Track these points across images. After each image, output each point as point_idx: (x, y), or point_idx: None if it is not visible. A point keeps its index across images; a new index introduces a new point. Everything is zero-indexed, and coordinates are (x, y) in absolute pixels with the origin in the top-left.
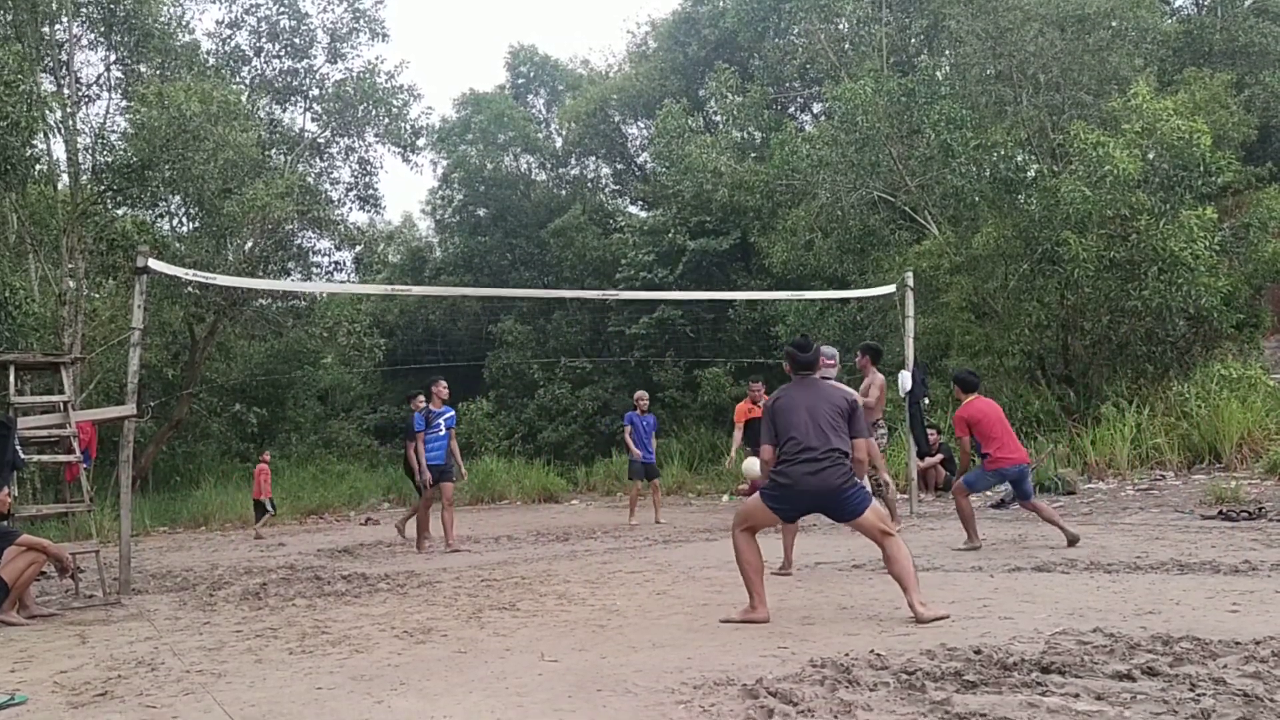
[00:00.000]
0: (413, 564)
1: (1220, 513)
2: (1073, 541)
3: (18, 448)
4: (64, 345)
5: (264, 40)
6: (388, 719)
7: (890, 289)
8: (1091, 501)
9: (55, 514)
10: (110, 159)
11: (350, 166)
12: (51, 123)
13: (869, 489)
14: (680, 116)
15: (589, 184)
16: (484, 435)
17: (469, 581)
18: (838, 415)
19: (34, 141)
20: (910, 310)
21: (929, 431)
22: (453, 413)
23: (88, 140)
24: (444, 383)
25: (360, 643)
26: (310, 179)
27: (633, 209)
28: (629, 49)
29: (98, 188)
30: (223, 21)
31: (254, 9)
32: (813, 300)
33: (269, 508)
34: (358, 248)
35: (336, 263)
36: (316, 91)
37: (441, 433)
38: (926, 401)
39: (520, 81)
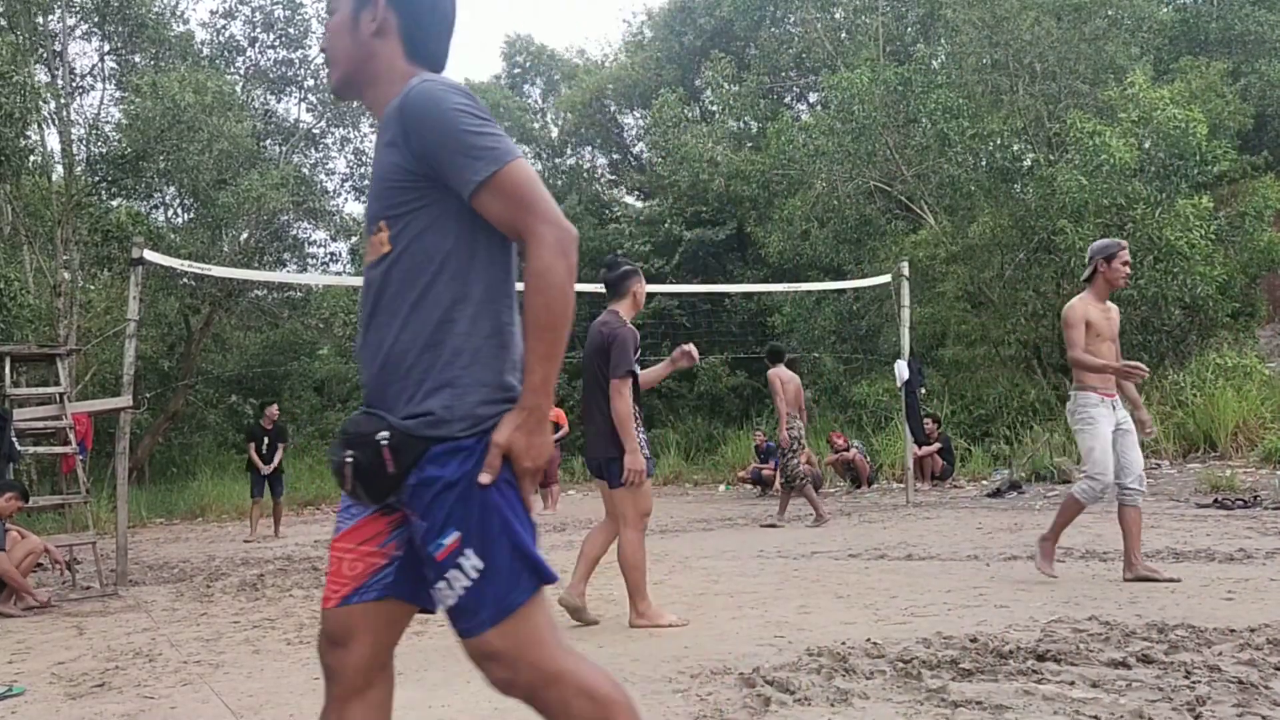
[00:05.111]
0: None
1: (1215, 501)
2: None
3: (13, 440)
4: (59, 337)
5: (258, 30)
6: None
7: (886, 279)
8: None
9: (52, 506)
10: (105, 150)
11: (345, 157)
12: (46, 114)
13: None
14: (676, 106)
15: (585, 174)
16: None
17: None
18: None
19: (28, 133)
20: (906, 300)
21: (925, 421)
22: None
23: (82, 131)
24: None
25: None
26: (305, 170)
27: (629, 199)
28: (625, 38)
29: (92, 179)
30: (217, 11)
31: None
32: (809, 291)
33: None
34: (353, 238)
35: (332, 254)
36: (311, 82)
37: None
38: (923, 391)
39: (516, 71)
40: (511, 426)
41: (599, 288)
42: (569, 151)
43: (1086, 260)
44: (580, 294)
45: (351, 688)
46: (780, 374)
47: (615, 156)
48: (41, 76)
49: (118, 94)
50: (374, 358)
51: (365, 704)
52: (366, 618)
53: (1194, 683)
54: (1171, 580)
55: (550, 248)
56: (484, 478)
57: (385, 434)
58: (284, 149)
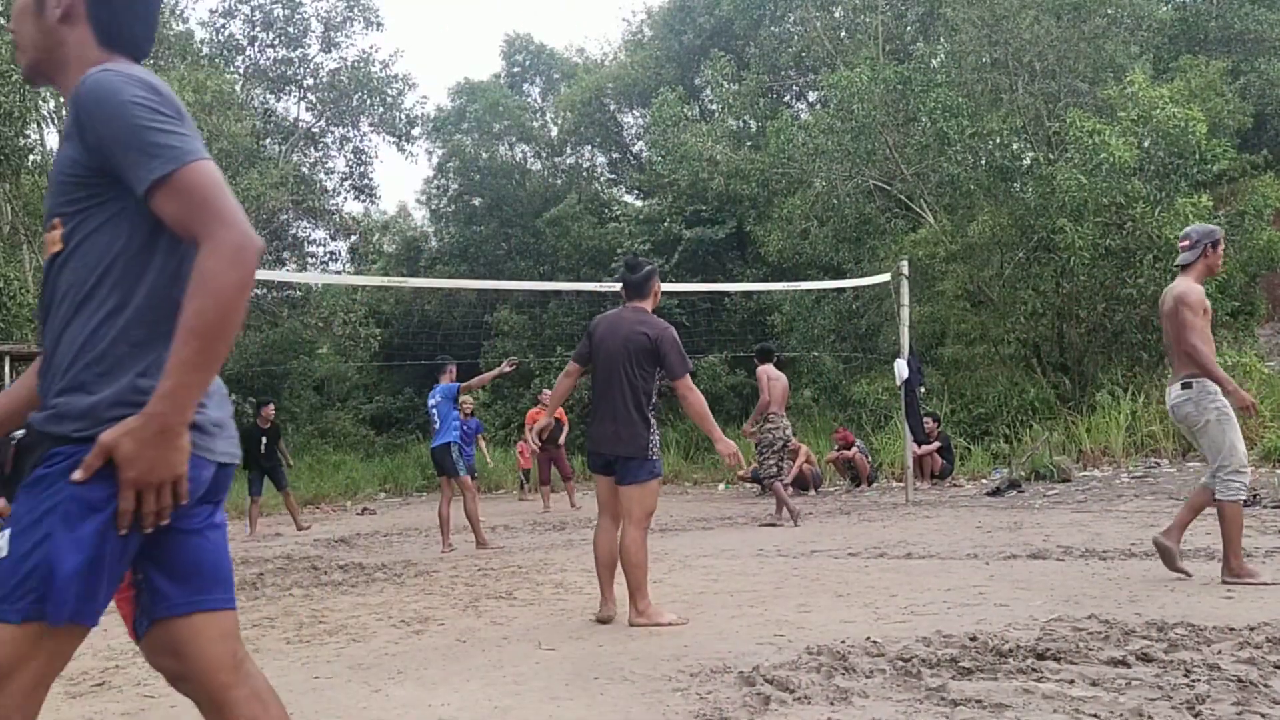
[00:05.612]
0: (409, 554)
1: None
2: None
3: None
4: None
5: (258, 29)
6: (385, 708)
7: (886, 277)
8: (1087, 489)
9: None
10: None
11: (345, 156)
12: (45, 113)
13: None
14: (676, 105)
15: (584, 173)
16: None
17: (466, 571)
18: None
19: (27, 131)
20: (906, 299)
21: (925, 420)
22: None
23: None
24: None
25: (357, 632)
26: (305, 169)
27: (628, 198)
28: (624, 37)
29: None
30: (216, 10)
31: None
32: (808, 290)
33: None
34: (353, 237)
35: (331, 253)
36: (311, 81)
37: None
38: (923, 390)
39: (515, 70)
40: (123, 430)
41: (597, 286)
42: (568, 150)
43: (1188, 244)
44: (581, 293)
45: (210, 705)
46: (769, 371)
47: (615, 155)
48: None
49: None
50: (43, 361)
51: (239, 701)
52: (157, 645)
53: (1193, 681)
54: (1265, 584)
55: (225, 255)
56: (76, 475)
57: (21, 432)
58: (283, 148)
